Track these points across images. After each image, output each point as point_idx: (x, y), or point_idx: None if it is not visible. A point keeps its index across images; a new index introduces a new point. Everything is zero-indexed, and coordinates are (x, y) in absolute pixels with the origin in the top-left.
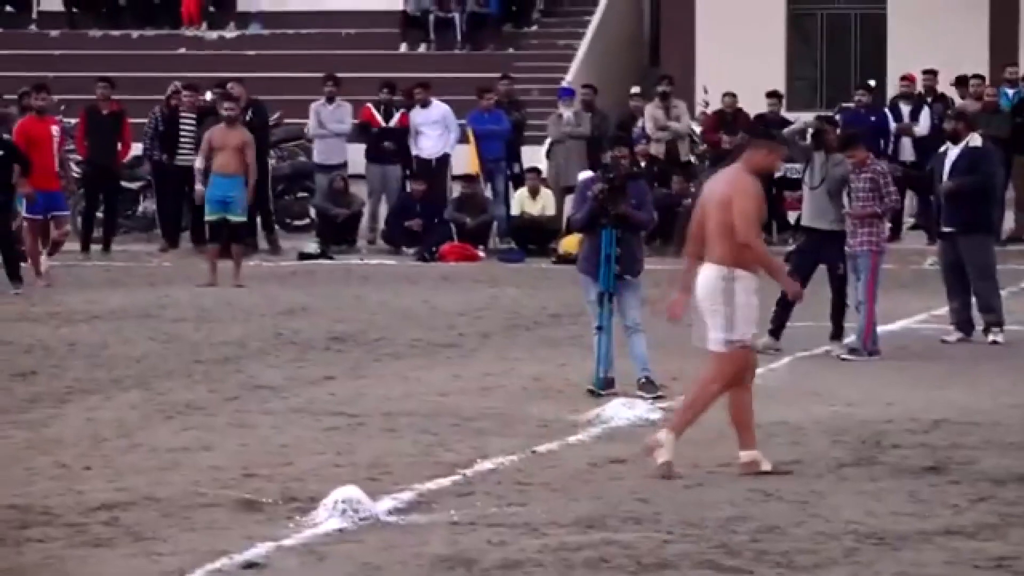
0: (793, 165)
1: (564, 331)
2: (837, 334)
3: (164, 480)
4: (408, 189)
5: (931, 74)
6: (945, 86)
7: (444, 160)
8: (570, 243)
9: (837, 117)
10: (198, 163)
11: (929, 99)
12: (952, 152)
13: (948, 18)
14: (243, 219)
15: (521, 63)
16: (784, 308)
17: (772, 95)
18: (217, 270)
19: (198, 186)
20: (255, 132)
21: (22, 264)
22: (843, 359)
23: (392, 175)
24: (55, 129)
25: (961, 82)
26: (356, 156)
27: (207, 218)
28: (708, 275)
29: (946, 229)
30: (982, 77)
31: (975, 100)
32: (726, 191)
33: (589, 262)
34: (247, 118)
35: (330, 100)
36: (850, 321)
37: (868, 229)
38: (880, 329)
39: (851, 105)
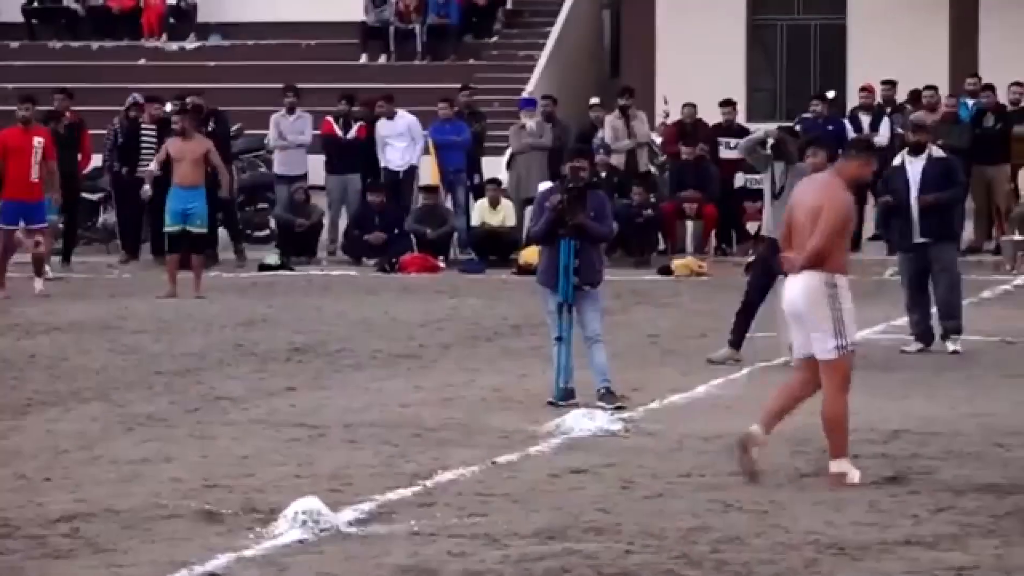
0: (753, 176)
1: (525, 342)
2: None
3: (125, 492)
4: (368, 200)
5: (890, 84)
6: (903, 97)
7: (411, 171)
8: (530, 254)
9: (798, 128)
10: (152, 167)
11: (888, 110)
12: (915, 164)
13: (908, 28)
14: (203, 230)
15: (482, 74)
16: (745, 318)
17: (726, 104)
18: (177, 281)
19: (145, 186)
20: (217, 142)
21: None
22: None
23: (352, 186)
24: (38, 140)
25: (915, 96)
26: (315, 167)
27: (167, 229)
28: (810, 284)
29: (919, 240)
30: (935, 88)
31: (929, 111)
32: (817, 201)
33: (548, 273)
34: (209, 128)
35: (290, 111)
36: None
37: None
38: None
39: (809, 115)
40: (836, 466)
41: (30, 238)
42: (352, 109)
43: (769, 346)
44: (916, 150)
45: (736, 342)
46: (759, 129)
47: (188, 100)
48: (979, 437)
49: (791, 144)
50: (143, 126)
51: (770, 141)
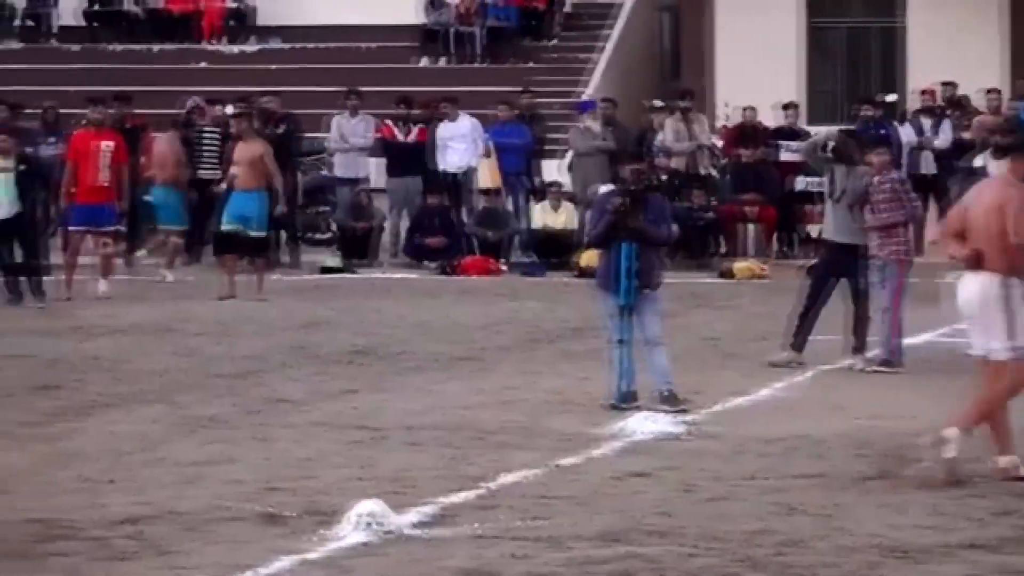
0: (813, 178)
1: (585, 344)
2: (860, 347)
3: (187, 494)
4: (428, 202)
5: (950, 85)
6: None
7: (469, 174)
8: (591, 256)
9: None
10: (233, 170)
11: (948, 112)
12: (1001, 167)
13: (967, 30)
14: (261, 234)
15: (540, 77)
16: (806, 321)
17: (788, 107)
18: (235, 282)
19: (222, 185)
20: (287, 145)
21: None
22: (874, 371)
23: (414, 189)
24: (107, 144)
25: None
26: (373, 170)
27: (223, 228)
28: (983, 284)
29: None
30: (998, 91)
31: (992, 113)
32: (996, 199)
33: (607, 276)
34: (280, 131)
35: (353, 113)
36: (874, 334)
37: (896, 239)
38: (904, 342)
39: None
40: (953, 446)
41: (96, 244)
42: (410, 112)
43: (830, 349)
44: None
45: (798, 345)
46: (818, 132)
47: (264, 100)
48: None
49: (851, 147)
50: (205, 129)
51: (830, 144)
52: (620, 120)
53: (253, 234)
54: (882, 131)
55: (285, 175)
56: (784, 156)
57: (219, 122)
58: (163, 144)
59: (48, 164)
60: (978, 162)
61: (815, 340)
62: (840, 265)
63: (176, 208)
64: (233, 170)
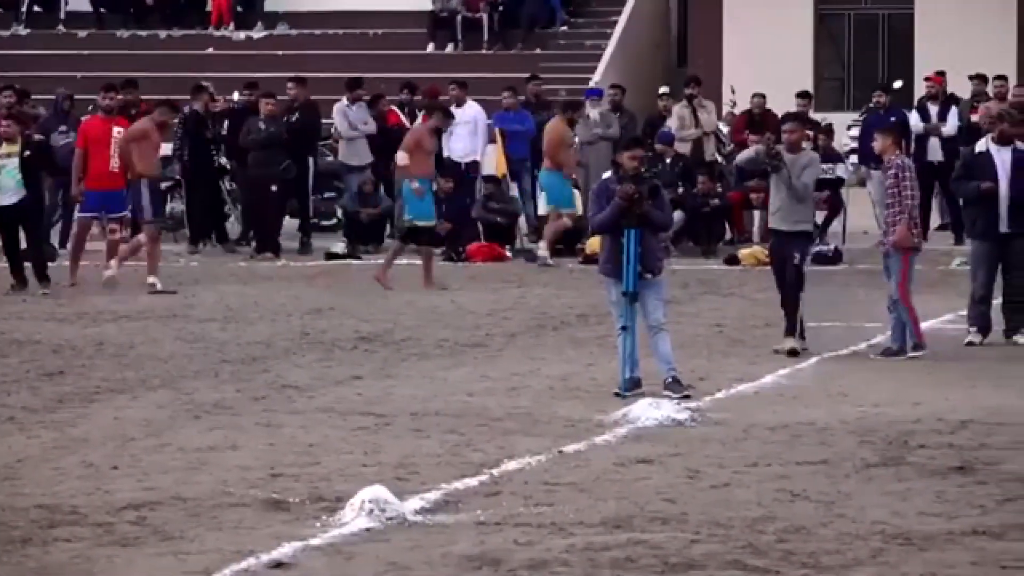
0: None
1: (591, 331)
2: (791, 330)
3: (191, 480)
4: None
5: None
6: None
7: (473, 162)
8: (597, 243)
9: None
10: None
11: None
12: (1003, 153)
13: (976, 18)
14: (432, 224)
15: (548, 63)
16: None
17: (803, 95)
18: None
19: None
20: (304, 132)
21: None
22: (910, 357)
23: None
24: (118, 130)
25: (979, 78)
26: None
27: (423, 223)
28: None
29: (1005, 230)
30: (1004, 78)
31: (999, 100)
32: None
33: (611, 263)
34: (294, 118)
35: (354, 101)
36: (877, 321)
37: (898, 227)
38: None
39: (872, 106)
40: None
41: (105, 226)
42: (414, 98)
43: (836, 336)
44: (1004, 139)
45: (791, 329)
46: (755, 147)
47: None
48: None
49: (794, 132)
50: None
51: (765, 151)
52: (628, 107)
53: (421, 224)
54: (892, 118)
55: (306, 162)
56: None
57: (226, 110)
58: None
59: (61, 152)
60: (980, 146)
61: (820, 327)
62: (784, 250)
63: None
64: (403, 158)
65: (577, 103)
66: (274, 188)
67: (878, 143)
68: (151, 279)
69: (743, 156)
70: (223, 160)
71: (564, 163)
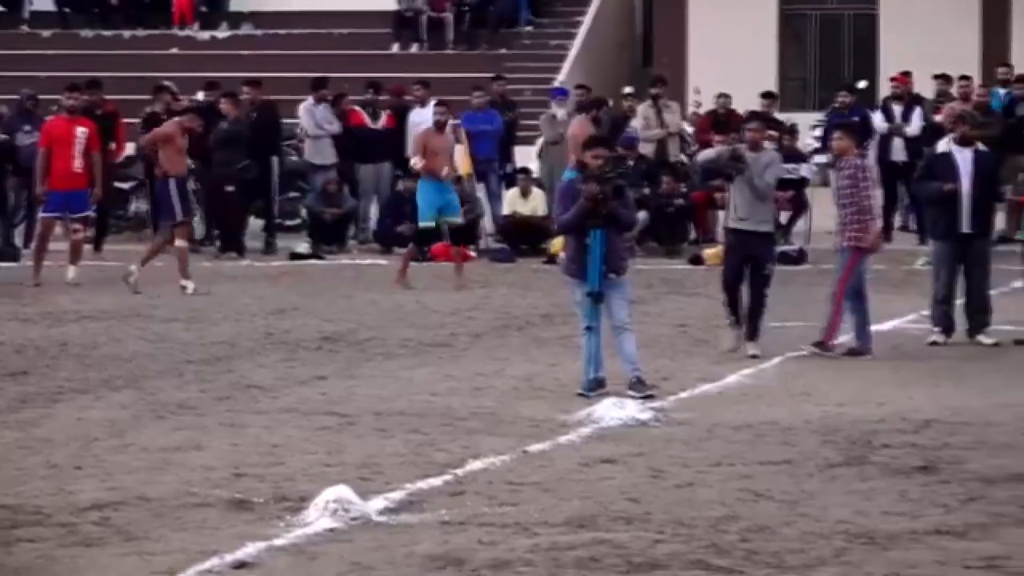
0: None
1: (555, 331)
2: (753, 335)
3: (155, 480)
4: (400, 188)
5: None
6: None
7: None
8: (561, 243)
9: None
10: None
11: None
12: (964, 153)
13: (940, 18)
14: (459, 220)
15: (513, 63)
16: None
17: (767, 95)
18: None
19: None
20: (263, 131)
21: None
22: (812, 351)
23: (385, 174)
24: (82, 130)
25: (943, 78)
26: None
27: (425, 224)
28: None
29: (966, 231)
30: (969, 78)
31: (963, 101)
32: None
33: (576, 263)
34: (252, 117)
35: (319, 102)
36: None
37: (855, 225)
38: (871, 329)
39: (836, 105)
40: None
41: (68, 226)
42: (378, 98)
43: (800, 335)
44: (965, 140)
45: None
46: (718, 148)
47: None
48: (1010, 426)
49: (756, 132)
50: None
51: (729, 154)
52: None
53: (451, 220)
54: (855, 118)
55: (268, 161)
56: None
57: (170, 110)
58: None
59: (25, 152)
60: (941, 147)
61: (783, 327)
62: (747, 250)
63: None
64: (416, 162)
65: (600, 101)
66: (231, 188)
67: (837, 142)
68: (183, 282)
69: (705, 155)
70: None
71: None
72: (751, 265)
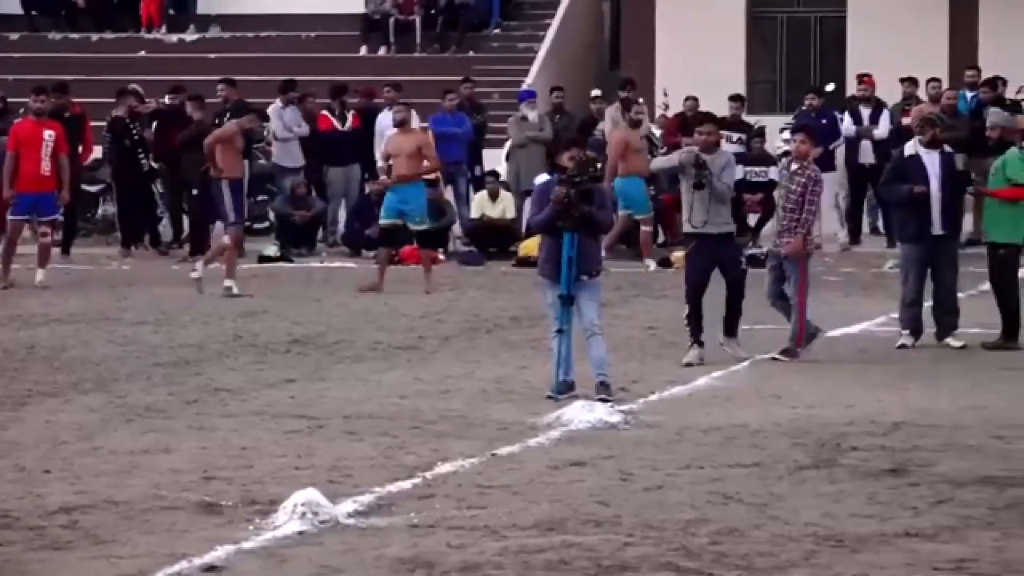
0: (753, 168)
1: (524, 334)
2: (733, 333)
3: (124, 483)
4: (368, 191)
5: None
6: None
7: None
8: (530, 246)
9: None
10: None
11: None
12: (932, 155)
13: (908, 21)
14: (424, 226)
15: (481, 66)
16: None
17: (736, 98)
18: (384, 276)
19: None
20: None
21: None
22: (775, 359)
23: (354, 177)
24: (50, 133)
25: (910, 81)
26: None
27: (381, 222)
28: None
29: (938, 232)
30: (939, 80)
31: (933, 102)
32: None
33: (549, 264)
34: (225, 119)
35: (287, 104)
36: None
37: (791, 233)
38: (840, 332)
39: (804, 108)
40: None
41: (37, 229)
42: (344, 100)
43: (770, 338)
44: (933, 142)
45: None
46: (679, 155)
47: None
48: (979, 429)
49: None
50: (128, 120)
51: (693, 159)
52: (569, 110)
53: (414, 226)
54: (823, 120)
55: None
56: (724, 147)
57: (134, 114)
58: None
59: None
60: (908, 149)
61: (753, 329)
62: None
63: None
64: (382, 170)
65: (629, 101)
66: (195, 191)
67: (800, 146)
68: (227, 283)
69: (659, 162)
70: (153, 163)
71: (636, 168)
72: (720, 268)
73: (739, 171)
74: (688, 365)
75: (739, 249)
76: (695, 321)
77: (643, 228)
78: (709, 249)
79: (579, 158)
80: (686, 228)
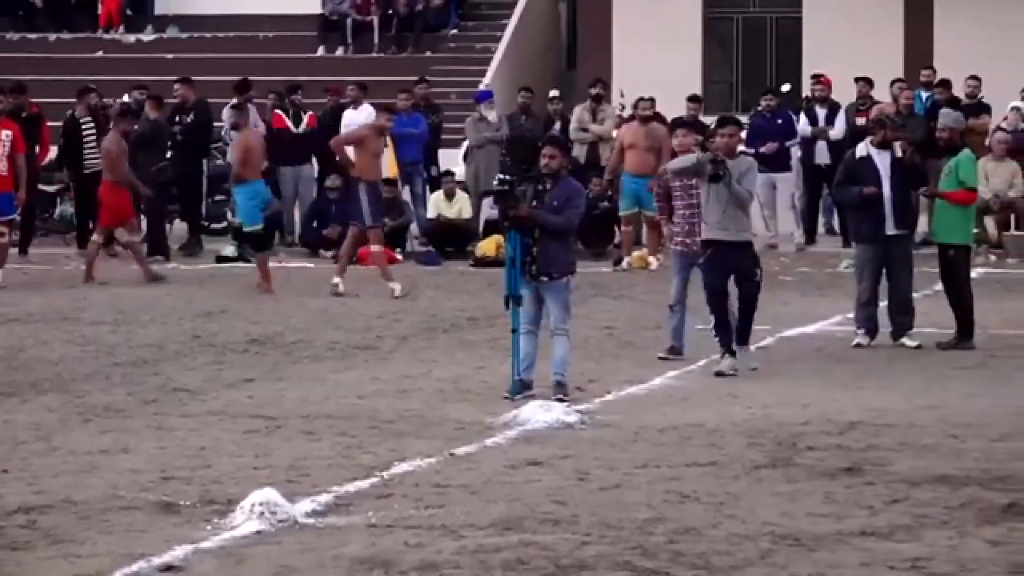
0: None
1: (482, 334)
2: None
3: (82, 483)
4: (328, 184)
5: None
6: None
7: None
8: (487, 246)
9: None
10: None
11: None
12: (883, 156)
13: (863, 21)
14: (250, 228)
15: (439, 66)
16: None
17: (693, 99)
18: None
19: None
20: (197, 133)
21: None
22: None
23: (305, 177)
24: (6, 134)
25: (865, 81)
26: None
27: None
28: None
29: (892, 232)
30: (903, 80)
31: (892, 103)
32: None
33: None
34: (189, 118)
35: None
36: (766, 323)
37: (689, 230)
38: (796, 331)
39: (760, 108)
40: None
41: None
42: (294, 99)
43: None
44: (884, 144)
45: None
46: (696, 155)
47: (176, 88)
48: (934, 429)
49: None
50: (81, 120)
51: (703, 166)
52: (518, 111)
53: (246, 229)
54: (779, 120)
55: (198, 164)
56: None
57: (93, 112)
58: None
59: None
60: (860, 151)
61: (707, 330)
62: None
63: None
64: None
65: (600, 98)
66: (148, 191)
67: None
68: (391, 285)
69: (676, 163)
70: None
71: (646, 166)
72: (735, 278)
73: None
74: (719, 375)
75: (756, 260)
76: (723, 330)
77: (650, 227)
78: (724, 259)
79: (543, 154)
80: (704, 232)
